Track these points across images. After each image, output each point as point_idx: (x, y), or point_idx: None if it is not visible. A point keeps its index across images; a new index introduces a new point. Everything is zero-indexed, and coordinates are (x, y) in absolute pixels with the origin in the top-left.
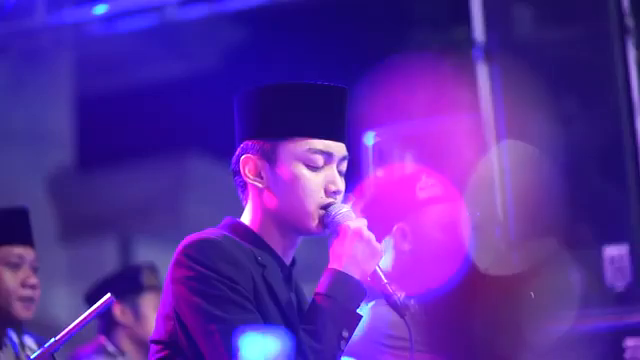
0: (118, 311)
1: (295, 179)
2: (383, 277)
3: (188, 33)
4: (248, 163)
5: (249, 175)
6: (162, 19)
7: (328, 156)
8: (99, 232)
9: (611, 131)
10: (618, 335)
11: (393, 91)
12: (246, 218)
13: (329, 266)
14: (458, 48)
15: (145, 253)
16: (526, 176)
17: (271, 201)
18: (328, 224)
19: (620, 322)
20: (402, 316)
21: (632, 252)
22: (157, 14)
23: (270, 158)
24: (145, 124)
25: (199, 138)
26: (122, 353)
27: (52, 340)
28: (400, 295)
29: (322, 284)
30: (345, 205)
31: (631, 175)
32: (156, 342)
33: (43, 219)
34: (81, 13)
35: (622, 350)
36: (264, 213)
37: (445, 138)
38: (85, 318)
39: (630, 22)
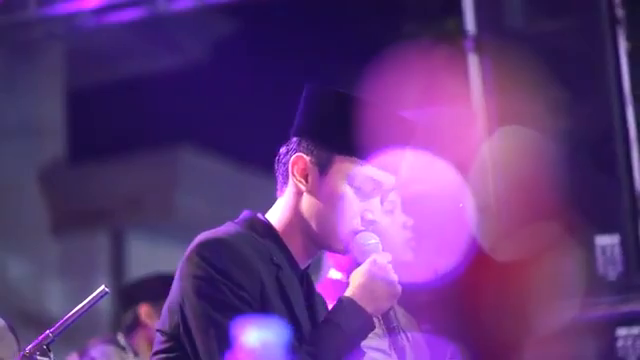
0: (144, 312)
1: (339, 197)
2: (394, 319)
3: (179, 25)
4: (298, 162)
5: (296, 174)
6: (153, 11)
7: (379, 186)
8: (91, 225)
9: (602, 121)
10: (610, 324)
11: (384, 82)
12: (275, 213)
13: (346, 293)
14: (449, 39)
15: (137, 245)
16: (518, 165)
17: (307, 207)
18: (354, 250)
19: (612, 311)
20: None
21: (623, 242)
22: (148, 6)
23: (322, 166)
24: (137, 117)
25: (190, 131)
26: (136, 353)
27: (47, 332)
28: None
29: (335, 310)
30: (374, 236)
31: (622, 165)
32: (161, 332)
33: (35, 212)
34: (72, 5)
35: (614, 339)
36: (295, 215)
37: (436, 129)
38: (80, 310)
39: (620, 13)
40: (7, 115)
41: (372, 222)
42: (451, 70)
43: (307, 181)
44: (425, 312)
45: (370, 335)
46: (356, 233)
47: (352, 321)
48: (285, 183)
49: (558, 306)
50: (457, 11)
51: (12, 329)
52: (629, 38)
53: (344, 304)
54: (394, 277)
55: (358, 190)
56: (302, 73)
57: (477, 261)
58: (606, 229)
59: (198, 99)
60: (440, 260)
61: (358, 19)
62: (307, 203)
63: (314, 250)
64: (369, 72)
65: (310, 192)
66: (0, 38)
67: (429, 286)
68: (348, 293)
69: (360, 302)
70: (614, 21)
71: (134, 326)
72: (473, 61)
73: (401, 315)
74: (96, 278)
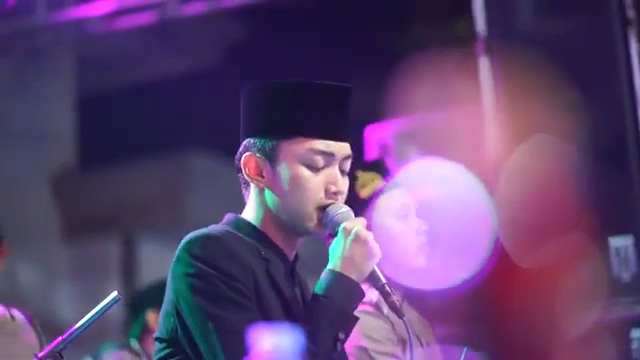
0: (152, 319)
1: (295, 180)
2: (381, 277)
3: (189, 30)
4: (250, 161)
5: (250, 174)
6: (163, 16)
7: (329, 157)
8: (102, 230)
9: (614, 123)
10: (625, 326)
11: (395, 85)
12: (247, 215)
13: (327, 267)
14: (460, 41)
15: (147, 251)
16: (534, 168)
17: (271, 201)
18: (327, 224)
19: (626, 313)
20: (400, 317)
21: (637, 243)
22: (158, 11)
23: (271, 157)
24: (147, 121)
25: (201, 135)
26: (150, 358)
27: (59, 338)
28: (398, 297)
29: (320, 285)
30: (344, 205)
31: (635, 166)
32: (159, 340)
33: (46, 218)
34: (82, 11)
35: (629, 341)
36: (265, 212)
37: (447, 131)
38: (92, 316)
39: (632, 14)
40: (18, 121)
41: (337, 192)
42: (461, 72)
43: (263, 177)
44: (442, 317)
45: (384, 341)
46: (324, 207)
47: (339, 291)
48: (247, 187)
49: (579, 310)
50: (467, 13)
51: (32, 323)
52: None
53: (328, 277)
54: (368, 237)
55: (311, 167)
56: (313, 77)
57: (497, 266)
58: (620, 230)
59: (209, 104)
60: (461, 265)
61: (369, 23)
62: (270, 197)
63: (294, 240)
64: (380, 76)
65: (269, 186)
66: (9, 44)
67: (447, 292)
68: (330, 266)
69: (343, 271)
70: (625, 22)
71: (143, 334)
72: (483, 63)
73: (416, 320)
74: (107, 283)
